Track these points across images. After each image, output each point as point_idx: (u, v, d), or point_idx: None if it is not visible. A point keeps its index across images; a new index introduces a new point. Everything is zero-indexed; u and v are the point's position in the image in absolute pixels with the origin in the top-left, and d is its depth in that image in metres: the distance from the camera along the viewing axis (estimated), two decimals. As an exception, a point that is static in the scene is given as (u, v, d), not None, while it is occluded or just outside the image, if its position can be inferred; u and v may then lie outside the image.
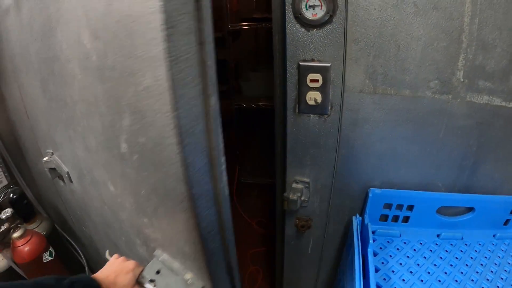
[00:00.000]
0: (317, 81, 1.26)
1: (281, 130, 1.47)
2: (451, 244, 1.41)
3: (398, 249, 1.40)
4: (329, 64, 1.23)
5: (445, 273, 1.28)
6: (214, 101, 0.78)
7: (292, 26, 1.21)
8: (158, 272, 1.01)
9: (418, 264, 1.32)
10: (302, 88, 1.29)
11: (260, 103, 3.36)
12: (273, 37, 1.33)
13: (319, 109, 1.32)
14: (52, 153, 1.49)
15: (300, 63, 1.25)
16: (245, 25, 3.24)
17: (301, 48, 1.24)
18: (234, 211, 3.59)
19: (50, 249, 1.65)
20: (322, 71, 1.24)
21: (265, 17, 3.55)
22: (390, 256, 1.36)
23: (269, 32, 5.17)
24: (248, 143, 4.48)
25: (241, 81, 3.65)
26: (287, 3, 1.18)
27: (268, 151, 4.30)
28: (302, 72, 1.26)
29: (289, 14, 1.19)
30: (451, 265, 1.31)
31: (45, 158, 1.49)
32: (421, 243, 1.42)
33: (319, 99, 1.28)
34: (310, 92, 1.28)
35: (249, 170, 3.91)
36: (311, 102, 1.29)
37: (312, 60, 1.24)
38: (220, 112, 0.83)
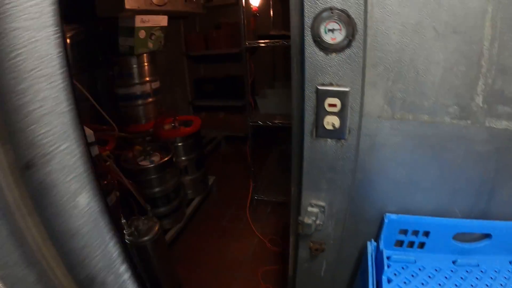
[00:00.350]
0: (335, 105, 1.24)
1: (298, 153, 1.46)
2: (467, 271, 1.38)
3: (413, 275, 1.37)
4: (347, 89, 1.22)
5: (460, 301, 1.25)
6: (85, 201, 0.70)
7: (310, 49, 1.20)
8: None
9: (433, 292, 1.29)
10: (320, 112, 1.28)
11: (276, 121, 3.34)
12: (291, 60, 1.32)
13: (337, 134, 1.30)
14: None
15: (318, 87, 1.24)
16: (262, 43, 3.23)
17: (320, 72, 1.22)
18: (247, 228, 3.59)
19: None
20: (341, 95, 1.23)
21: (282, 34, 3.56)
22: (405, 282, 1.33)
23: (286, 50, 5.25)
24: (263, 160, 4.49)
25: (258, 98, 3.64)
26: (306, 27, 1.17)
27: (283, 169, 4.33)
28: (320, 96, 1.25)
29: (308, 37, 1.18)
30: (467, 293, 1.28)
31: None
32: (436, 270, 1.39)
33: (337, 123, 1.27)
34: (328, 116, 1.27)
35: (263, 187, 3.91)
36: (329, 127, 1.28)
37: (331, 84, 1.23)
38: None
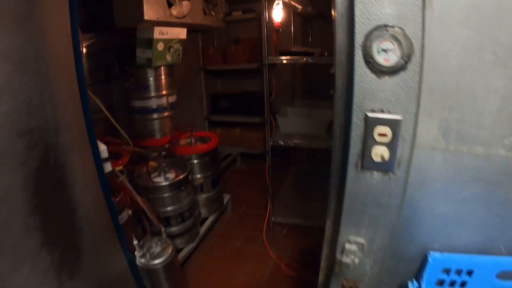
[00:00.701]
0: (385, 135, 1.11)
1: (337, 185, 1.33)
2: (507, 311, 1.27)
3: (453, 317, 1.25)
4: (400, 117, 1.09)
5: None
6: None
7: (361, 71, 1.08)
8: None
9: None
10: (368, 142, 1.15)
11: (297, 141, 3.21)
12: (335, 83, 1.20)
13: (385, 166, 1.17)
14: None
15: (368, 114, 1.11)
16: (285, 59, 3.12)
17: (370, 97, 1.10)
18: (262, 250, 3.48)
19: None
20: (393, 124, 1.10)
21: (305, 51, 3.47)
22: (447, 324, 1.21)
23: (306, 67, 5.17)
24: (280, 180, 4.37)
25: (279, 116, 3.53)
26: (356, 45, 1.05)
27: (300, 190, 4.22)
28: (370, 124, 1.12)
29: (358, 57, 1.06)
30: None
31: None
32: (476, 310, 1.27)
33: (386, 155, 1.14)
34: (376, 147, 1.14)
35: (280, 208, 3.77)
36: (377, 159, 1.15)
37: (381, 111, 1.10)
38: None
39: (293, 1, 3.81)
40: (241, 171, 5.64)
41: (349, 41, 1.08)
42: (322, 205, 3.72)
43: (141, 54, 3.23)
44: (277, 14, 3.32)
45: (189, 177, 3.24)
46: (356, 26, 1.04)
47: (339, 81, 1.18)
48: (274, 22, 3.37)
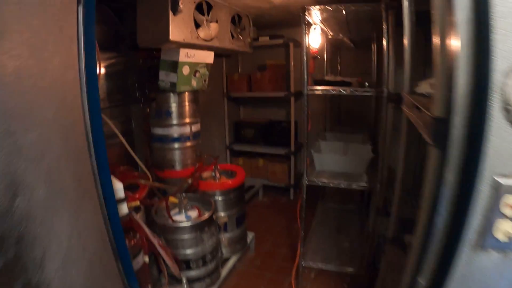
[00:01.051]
0: (516, 207, 0.83)
1: (438, 264, 1.04)
2: None
3: None
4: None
5: None
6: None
7: (496, 122, 0.80)
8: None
9: None
10: (493, 216, 0.86)
11: (336, 181, 2.90)
12: (449, 131, 0.89)
13: (508, 245, 0.89)
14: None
15: (498, 180, 0.84)
16: (324, 89, 2.86)
17: (504, 157, 0.83)
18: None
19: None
20: (528, 193, 0.81)
21: (341, 81, 3.22)
22: None
23: (337, 97, 4.93)
24: (307, 219, 4.07)
25: (314, 152, 3.24)
26: (493, 87, 0.78)
27: (330, 232, 3.92)
28: (499, 192, 0.84)
29: (495, 103, 0.79)
30: None
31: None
32: None
33: (515, 232, 0.85)
34: (502, 221, 0.85)
35: (310, 252, 3.44)
36: (502, 237, 0.86)
37: (514, 177, 0.82)
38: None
39: (328, 28, 3.58)
40: (264, 204, 5.36)
41: (477, 81, 0.80)
42: (352, 247, 3.44)
43: (165, 77, 3.01)
44: (315, 40, 3.08)
45: (214, 216, 2.96)
46: (495, 62, 0.76)
47: (458, 132, 0.88)
48: (311, 48, 3.13)
